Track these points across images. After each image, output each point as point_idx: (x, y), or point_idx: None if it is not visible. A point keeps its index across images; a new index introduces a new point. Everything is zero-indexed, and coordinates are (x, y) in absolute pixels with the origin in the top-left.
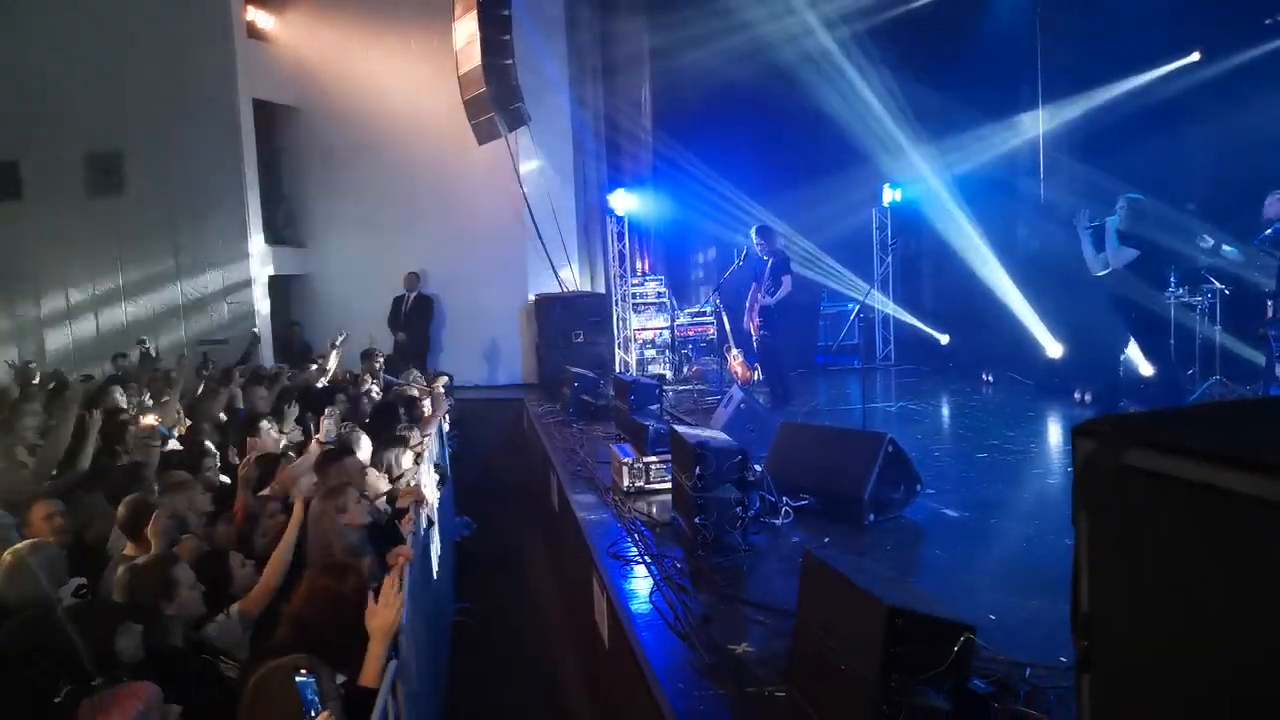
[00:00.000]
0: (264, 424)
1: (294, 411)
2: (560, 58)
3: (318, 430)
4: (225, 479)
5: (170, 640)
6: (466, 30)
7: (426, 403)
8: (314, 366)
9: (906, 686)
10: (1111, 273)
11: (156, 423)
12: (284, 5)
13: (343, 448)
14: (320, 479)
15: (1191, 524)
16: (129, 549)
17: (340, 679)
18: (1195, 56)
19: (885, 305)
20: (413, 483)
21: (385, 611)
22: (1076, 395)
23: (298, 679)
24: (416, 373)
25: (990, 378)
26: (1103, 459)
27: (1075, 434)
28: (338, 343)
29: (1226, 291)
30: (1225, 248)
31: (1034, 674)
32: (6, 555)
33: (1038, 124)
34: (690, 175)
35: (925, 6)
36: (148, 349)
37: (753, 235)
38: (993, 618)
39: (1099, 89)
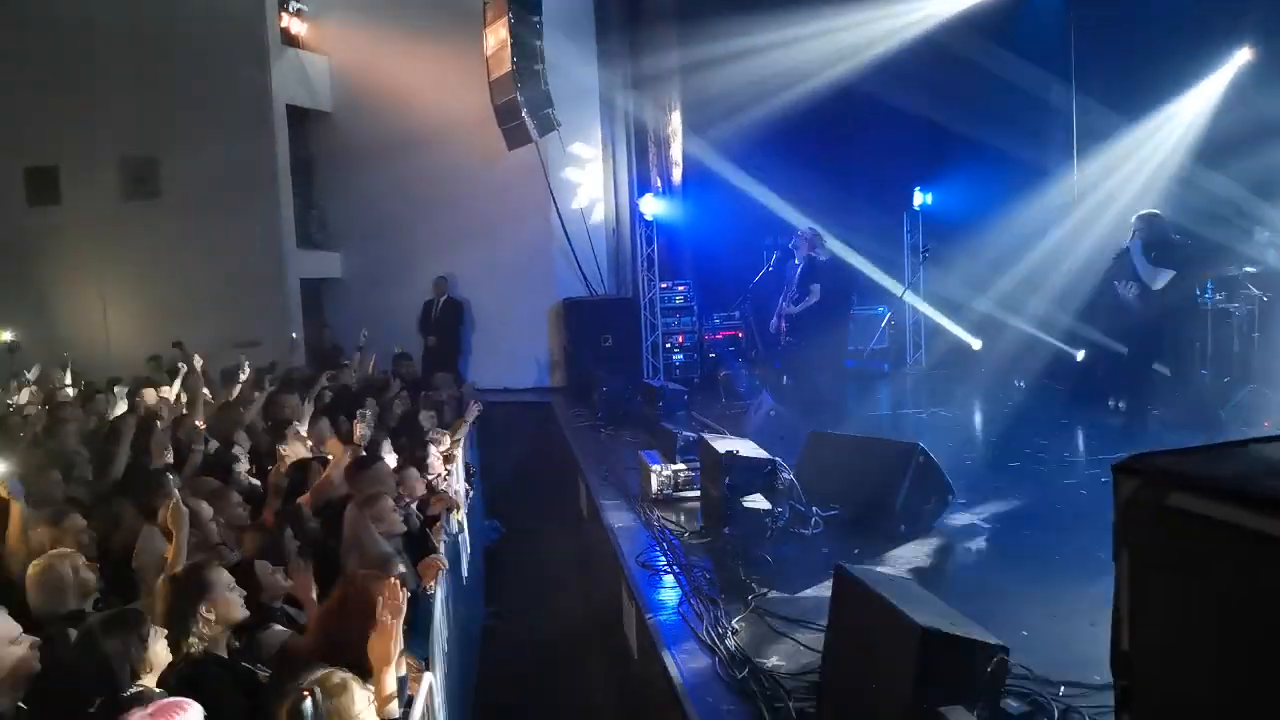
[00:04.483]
0: (291, 430)
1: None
2: (590, 63)
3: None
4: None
5: (212, 648)
6: (497, 36)
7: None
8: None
9: (939, 706)
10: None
11: (202, 427)
12: (318, 12)
13: (374, 455)
14: (352, 487)
15: (1236, 569)
16: (169, 552)
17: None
18: (1247, 55)
19: (919, 303)
20: (443, 487)
21: (380, 642)
22: (1111, 403)
23: (302, 703)
24: (448, 377)
25: (1022, 384)
26: (1145, 499)
27: (1117, 471)
28: (361, 342)
29: (1265, 298)
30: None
31: (1067, 693)
32: (32, 566)
33: (1071, 129)
34: (720, 180)
35: (960, 18)
36: (184, 351)
37: (800, 235)
38: (1025, 634)
39: (1136, 97)
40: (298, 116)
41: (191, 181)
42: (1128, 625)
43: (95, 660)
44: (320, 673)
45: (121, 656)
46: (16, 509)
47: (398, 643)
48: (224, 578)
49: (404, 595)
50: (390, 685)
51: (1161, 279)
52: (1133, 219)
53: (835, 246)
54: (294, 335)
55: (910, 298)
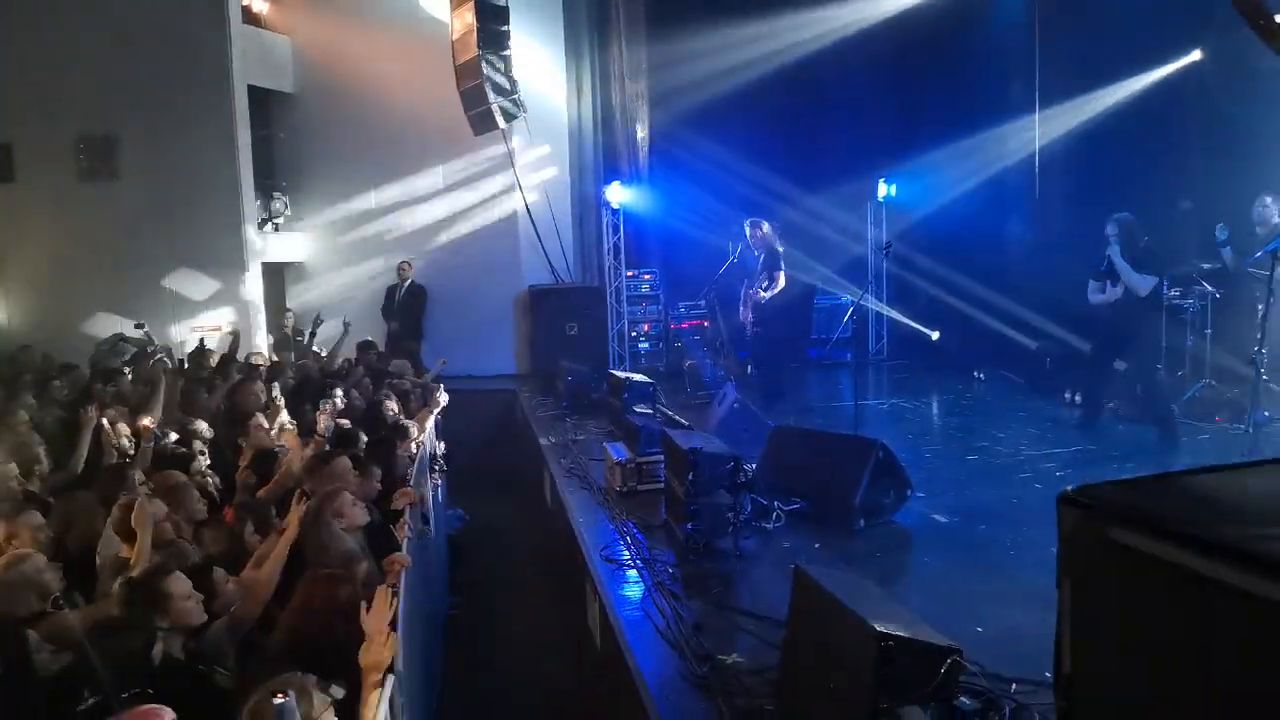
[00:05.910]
0: (254, 420)
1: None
2: (558, 49)
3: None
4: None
5: (167, 651)
6: (463, 20)
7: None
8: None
9: (895, 707)
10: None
11: (152, 425)
12: None
13: (334, 449)
14: (311, 481)
15: (1173, 605)
16: (124, 550)
17: (340, 691)
18: (1196, 55)
19: (881, 306)
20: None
21: (374, 650)
22: (1066, 395)
23: (276, 702)
24: (405, 364)
25: (982, 375)
26: (1088, 532)
27: (1061, 502)
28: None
29: (1218, 295)
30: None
31: (1019, 690)
32: None
33: (1033, 123)
34: (686, 169)
35: (924, 9)
36: (147, 333)
37: (746, 227)
38: (979, 630)
39: (1096, 90)
40: (260, 97)
41: (151, 162)
42: (1069, 652)
43: (92, 662)
44: (283, 677)
45: (126, 659)
46: None
47: (388, 649)
48: (181, 587)
49: (395, 603)
50: (377, 694)
51: (1146, 286)
52: (1107, 225)
53: (800, 236)
54: (225, 327)
55: (872, 302)
